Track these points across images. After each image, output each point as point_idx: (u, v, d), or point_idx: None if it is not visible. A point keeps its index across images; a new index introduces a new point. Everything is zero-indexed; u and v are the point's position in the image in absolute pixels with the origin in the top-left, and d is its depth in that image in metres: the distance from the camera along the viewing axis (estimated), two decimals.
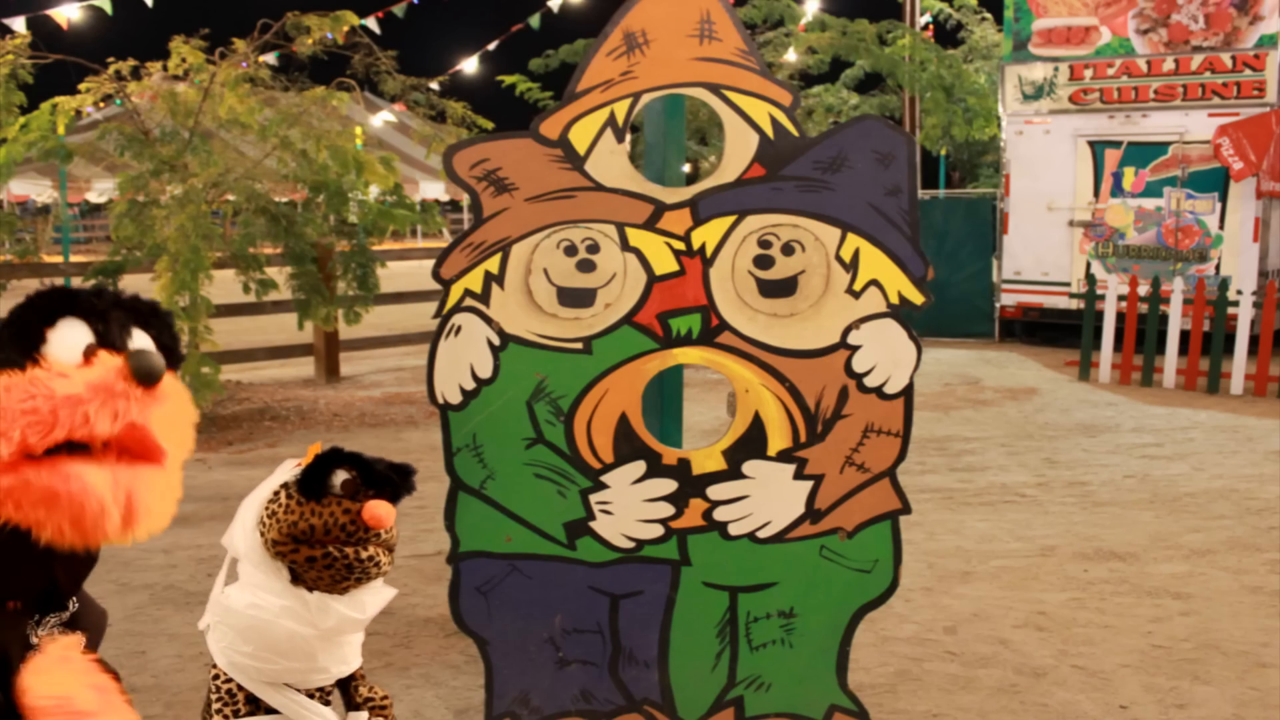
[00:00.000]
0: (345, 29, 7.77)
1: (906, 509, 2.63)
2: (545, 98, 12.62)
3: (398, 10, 11.32)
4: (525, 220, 2.56)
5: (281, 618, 2.12)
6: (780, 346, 2.57)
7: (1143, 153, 10.90)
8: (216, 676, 2.21)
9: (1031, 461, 6.49)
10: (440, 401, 2.60)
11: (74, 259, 17.83)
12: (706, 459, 2.60)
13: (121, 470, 1.70)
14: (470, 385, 2.58)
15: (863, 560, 2.63)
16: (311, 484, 2.12)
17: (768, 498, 2.60)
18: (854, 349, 2.56)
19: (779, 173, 2.54)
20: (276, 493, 2.16)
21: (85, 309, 1.78)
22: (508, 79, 12.85)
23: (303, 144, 7.47)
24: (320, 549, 2.09)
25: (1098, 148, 11.10)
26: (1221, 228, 10.60)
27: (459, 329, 2.58)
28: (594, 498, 2.61)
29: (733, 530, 2.61)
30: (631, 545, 2.62)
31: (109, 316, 1.79)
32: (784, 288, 2.55)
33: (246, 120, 7.28)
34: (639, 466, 2.59)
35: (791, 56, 14.09)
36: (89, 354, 1.74)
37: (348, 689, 2.30)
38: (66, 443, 1.67)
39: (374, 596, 2.20)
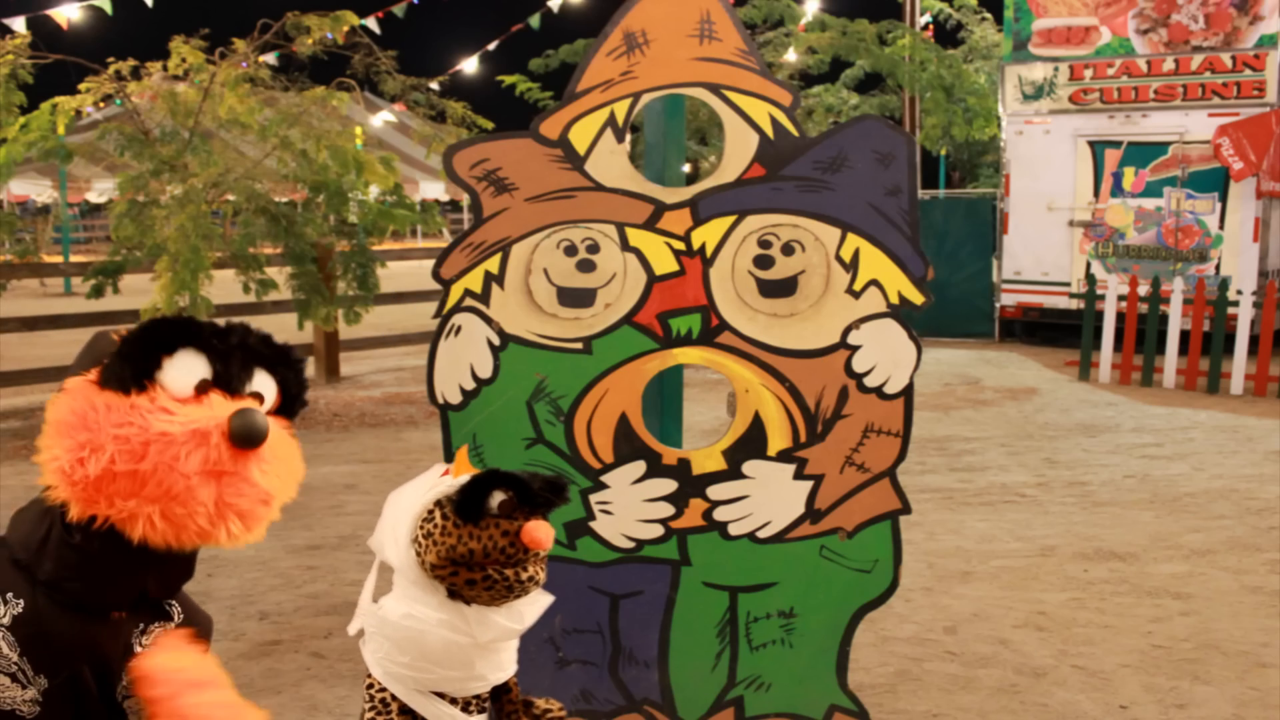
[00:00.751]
0: (345, 29, 7.77)
1: (906, 509, 2.63)
2: (545, 98, 12.62)
3: (398, 10, 11.32)
4: (525, 220, 2.56)
5: (439, 629, 2.09)
6: (780, 346, 2.57)
7: (1143, 153, 10.90)
8: (371, 685, 2.19)
9: (1031, 461, 6.49)
10: (440, 401, 2.60)
11: (74, 259, 17.84)
12: (706, 459, 2.60)
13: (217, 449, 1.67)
14: (470, 385, 2.58)
15: (863, 560, 2.63)
16: (469, 507, 2.07)
17: (768, 498, 2.60)
18: (854, 349, 2.56)
19: (779, 173, 2.54)
20: (431, 512, 2.10)
21: (207, 344, 1.75)
22: (508, 79, 12.85)
23: (303, 144, 7.47)
24: (480, 572, 2.05)
25: (1098, 148, 11.10)
26: (1221, 228, 10.60)
27: (459, 329, 2.58)
28: (594, 498, 2.61)
29: (733, 530, 2.61)
30: (631, 545, 2.62)
31: (230, 356, 1.76)
32: (784, 288, 2.55)
33: (246, 120, 7.28)
34: (639, 466, 2.59)
35: (791, 56, 14.09)
36: (201, 390, 1.71)
37: (500, 697, 2.26)
38: None
39: (531, 607, 2.15)
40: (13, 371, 7.88)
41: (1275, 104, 10.38)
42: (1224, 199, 10.55)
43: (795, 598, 2.65)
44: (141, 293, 6.93)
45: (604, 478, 2.60)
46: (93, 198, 22.88)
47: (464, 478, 2.12)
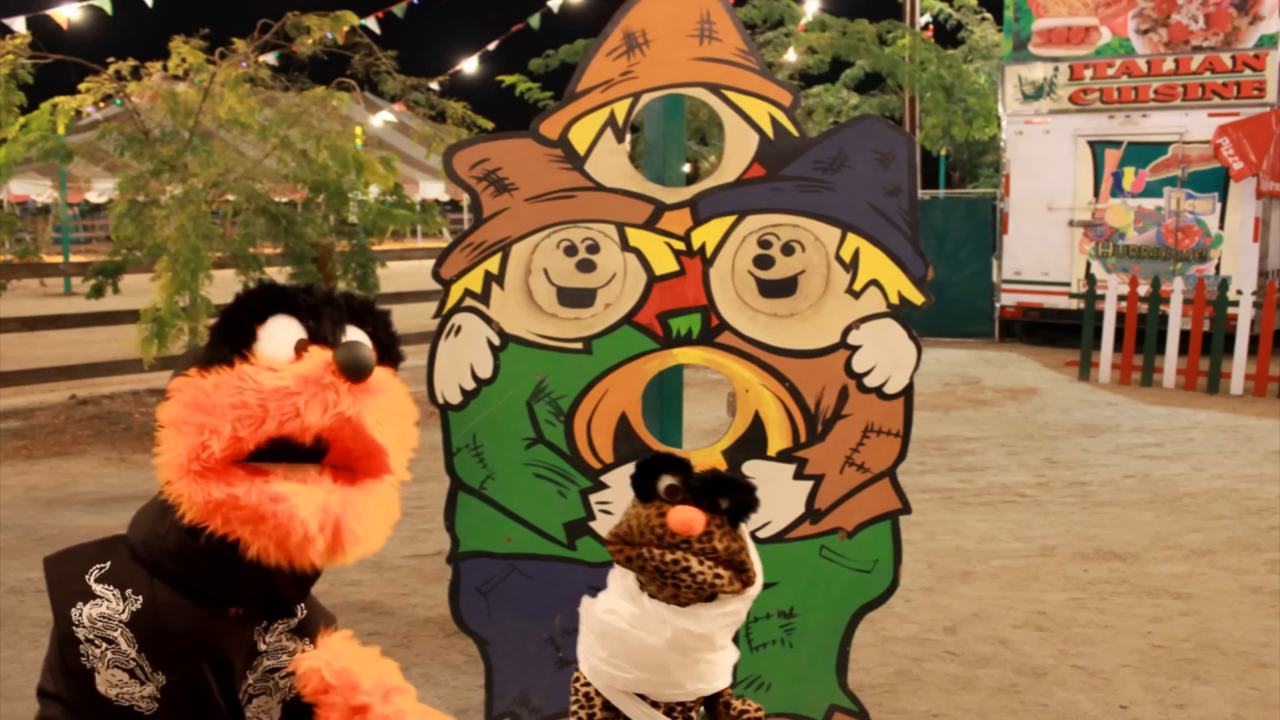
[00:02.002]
0: (345, 29, 7.77)
1: (906, 509, 2.63)
2: (545, 98, 12.62)
3: (398, 10, 11.32)
4: (525, 220, 2.56)
5: (633, 625, 2.09)
6: (780, 346, 2.57)
7: (1143, 153, 10.90)
8: (578, 679, 2.20)
9: (1031, 461, 6.49)
10: (440, 401, 2.60)
11: (74, 259, 17.85)
12: (706, 459, 2.60)
13: (334, 495, 1.67)
14: (470, 385, 2.58)
15: (863, 560, 2.63)
16: (640, 485, 2.09)
17: (768, 498, 2.58)
18: (854, 349, 2.56)
19: (779, 173, 2.54)
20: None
21: (296, 305, 1.76)
22: (508, 79, 12.85)
23: (303, 144, 7.47)
24: (635, 549, 2.07)
25: (1098, 148, 11.10)
26: (1221, 228, 10.60)
27: (459, 329, 2.58)
28: (594, 498, 2.61)
29: None
30: None
31: (320, 312, 1.77)
32: (784, 288, 2.55)
33: (246, 120, 7.28)
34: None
35: (791, 56, 14.09)
36: (300, 349, 1.72)
37: (714, 707, 2.22)
38: (281, 449, 1.65)
39: (716, 620, 2.09)
40: (13, 371, 7.88)
41: (1275, 104, 10.38)
42: (1224, 199, 10.55)
43: (795, 598, 2.65)
44: (141, 293, 6.93)
45: (604, 477, 2.60)
46: (93, 198, 22.88)
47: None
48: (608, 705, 2.14)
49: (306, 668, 1.83)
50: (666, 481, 2.07)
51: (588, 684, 2.17)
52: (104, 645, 1.73)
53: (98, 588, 1.76)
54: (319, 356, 1.68)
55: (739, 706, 2.22)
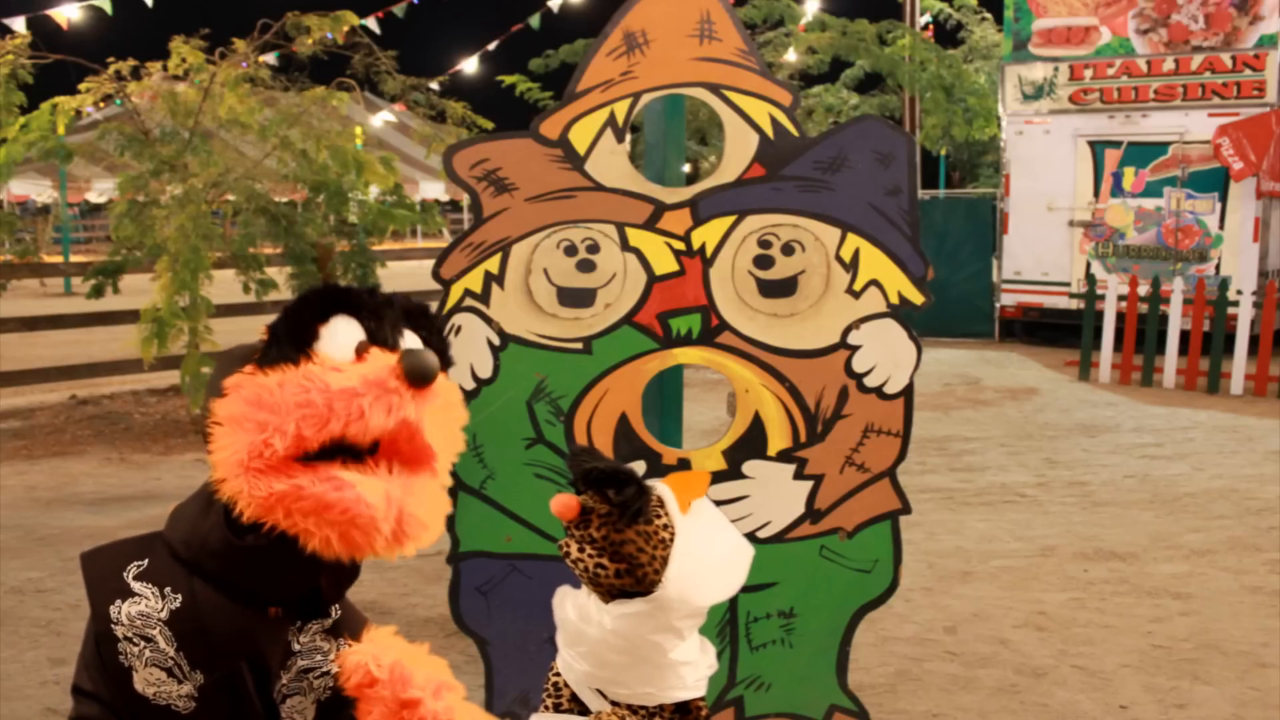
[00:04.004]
0: (345, 29, 7.77)
1: (906, 509, 2.63)
2: (545, 98, 12.61)
3: (398, 10, 11.32)
4: (525, 220, 2.56)
5: (582, 621, 2.11)
6: (780, 346, 2.57)
7: (1143, 153, 10.90)
8: (552, 667, 2.21)
9: (1031, 461, 6.49)
10: None
11: (74, 259, 17.85)
12: (706, 459, 2.60)
13: (395, 483, 1.67)
14: (470, 385, 2.58)
15: (863, 560, 2.63)
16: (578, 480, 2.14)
17: (768, 498, 2.60)
18: (854, 349, 2.56)
19: (779, 173, 2.54)
20: None
21: (358, 306, 1.76)
22: (508, 79, 12.85)
23: (303, 144, 7.47)
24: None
25: (1098, 148, 11.10)
26: (1221, 228, 10.60)
27: (459, 329, 2.58)
28: None
29: None
30: None
31: (381, 314, 1.77)
32: (784, 288, 2.55)
33: (246, 120, 7.28)
34: (639, 466, 2.59)
35: (791, 56, 14.08)
36: (361, 351, 1.72)
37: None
38: (340, 448, 1.65)
39: (625, 619, 2.06)
40: (13, 371, 7.88)
41: (1275, 104, 10.38)
42: (1224, 199, 10.55)
43: (795, 598, 2.65)
44: (141, 293, 6.93)
45: None
46: (93, 198, 22.87)
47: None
48: (574, 697, 2.15)
49: (353, 662, 1.83)
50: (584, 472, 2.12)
51: (559, 674, 2.19)
52: (142, 644, 1.72)
53: (136, 585, 1.75)
54: (383, 360, 1.68)
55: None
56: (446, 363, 1.88)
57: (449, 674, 1.88)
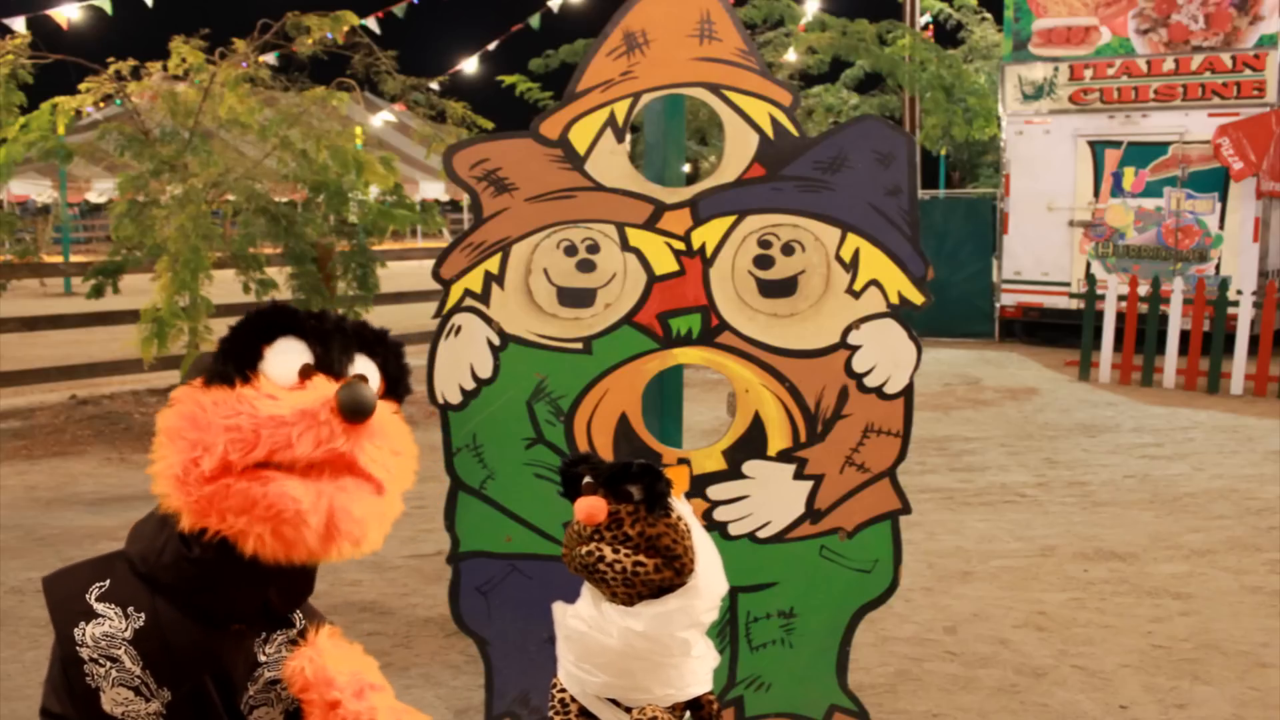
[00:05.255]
0: (345, 29, 7.77)
1: (906, 509, 2.63)
2: (545, 98, 12.62)
3: (398, 10, 11.32)
4: (525, 220, 2.56)
5: (591, 628, 2.09)
6: (780, 346, 2.57)
7: (1143, 153, 10.89)
8: (555, 684, 2.19)
9: (1031, 461, 6.48)
10: (440, 401, 2.59)
11: (74, 259, 17.86)
12: (706, 459, 2.60)
13: (326, 483, 1.66)
14: (470, 385, 2.58)
15: (863, 560, 2.63)
16: (566, 489, 2.12)
17: (767, 498, 2.60)
18: (854, 349, 2.56)
19: (779, 173, 2.54)
20: None
21: (305, 330, 1.75)
22: (508, 79, 12.85)
23: (303, 144, 7.47)
24: (568, 554, 2.08)
25: (1098, 148, 11.10)
26: (1221, 228, 10.60)
27: (459, 329, 2.58)
28: None
29: (732, 530, 2.61)
30: None
31: (329, 340, 1.75)
32: (784, 288, 2.55)
33: (246, 120, 7.28)
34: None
35: (791, 56, 14.09)
36: (305, 374, 1.70)
37: (699, 714, 2.20)
38: (269, 463, 1.64)
39: (658, 618, 2.06)
40: (13, 371, 7.88)
41: (1275, 104, 10.38)
42: (1224, 199, 10.55)
43: (795, 598, 2.65)
44: (141, 293, 6.93)
45: None
46: (93, 198, 22.86)
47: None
48: (584, 711, 2.14)
49: (291, 668, 1.83)
50: (585, 479, 2.08)
51: (563, 690, 2.17)
52: (108, 664, 1.72)
53: (99, 606, 1.75)
54: (320, 390, 1.66)
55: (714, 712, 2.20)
56: (403, 390, 1.87)
57: (377, 674, 1.87)
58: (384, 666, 3.51)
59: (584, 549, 2.05)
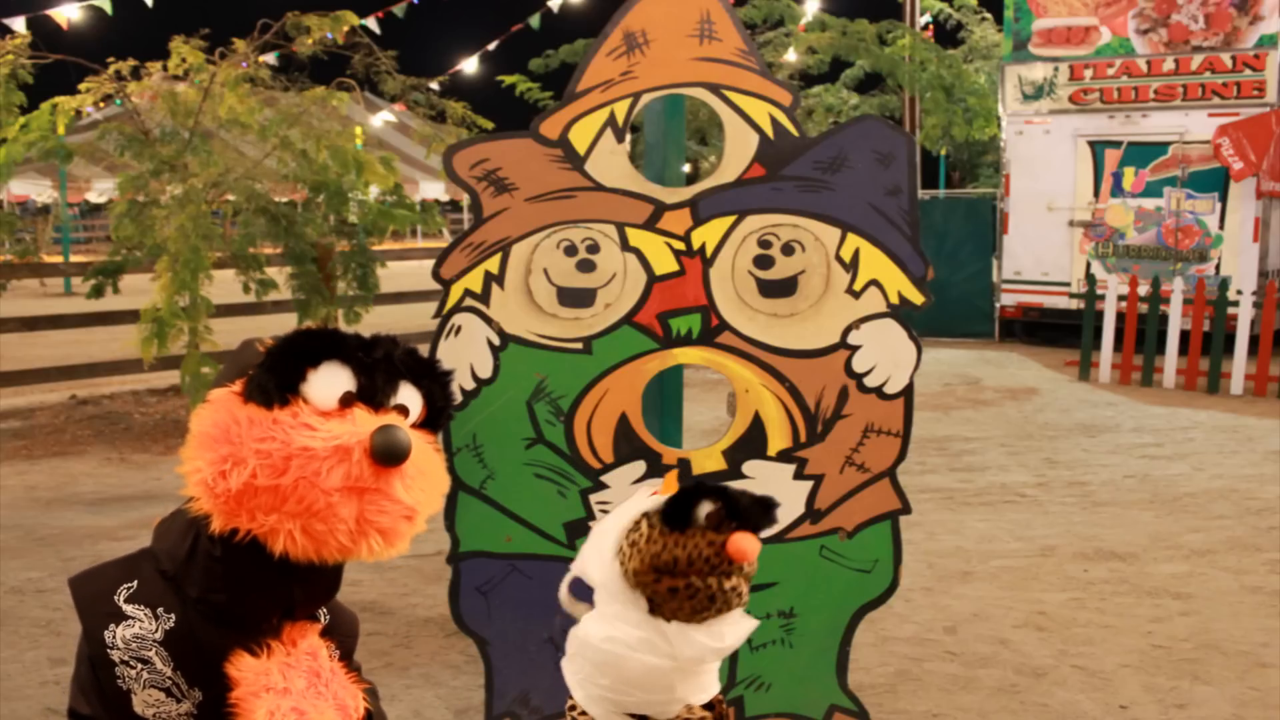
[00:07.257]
0: (345, 29, 7.77)
1: (906, 509, 2.63)
2: (545, 98, 12.61)
3: (398, 10, 11.32)
4: (525, 220, 2.56)
5: (638, 650, 2.04)
6: (780, 346, 2.57)
7: (1143, 153, 10.90)
8: (573, 708, 2.18)
9: (1031, 461, 6.49)
10: None
11: (74, 259, 17.87)
12: (706, 459, 2.60)
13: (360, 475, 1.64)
14: (470, 385, 2.58)
15: (863, 560, 2.63)
16: (677, 515, 2.05)
17: None
18: (854, 349, 2.56)
19: (779, 173, 2.54)
20: (638, 522, 2.06)
21: (352, 357, 1.73)
22: (508, 79, 12.85)
23: (303, 144, 7.46)
24: (683, 580, 2.02)
25: (1098, 148, 11.10)
26: (1221, 228, 10.60)
27: (459, 329, 2.58)
28: (594, 498, 2.61)
29: None
30: None
31: (375, 370, 1.73)
32: (784, 288, 2.55)
33: (246, 120, 7.28)
34: (639, 466, 2.59)
35: (791, 56, 14.08)
36: (346, 403, 1.68)
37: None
38: None
39: (733, 627, 2.07)
40: (13, 371, 7.88)
41: (1275, 104, 10.38)
42: (1224, 199, 10.55)
43: (795, 598, 2.65)
44: (141, 293, 6.93)
45: (604, 478, 2.60)
46: (93, 198, 22.87)
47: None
48: None
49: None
50: (706, 509, 2.06)
51: (584, 713, 2.16)
52: (140, 666, 1.72)
53: (128, 608, 1.75)
54: (356, 427, 1.64)
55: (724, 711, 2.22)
56: (445, 420, 1.85)
57: (277, 679, 1.85)
58: (384, 666, 3.54)
59: (727, 584, 2.03)
